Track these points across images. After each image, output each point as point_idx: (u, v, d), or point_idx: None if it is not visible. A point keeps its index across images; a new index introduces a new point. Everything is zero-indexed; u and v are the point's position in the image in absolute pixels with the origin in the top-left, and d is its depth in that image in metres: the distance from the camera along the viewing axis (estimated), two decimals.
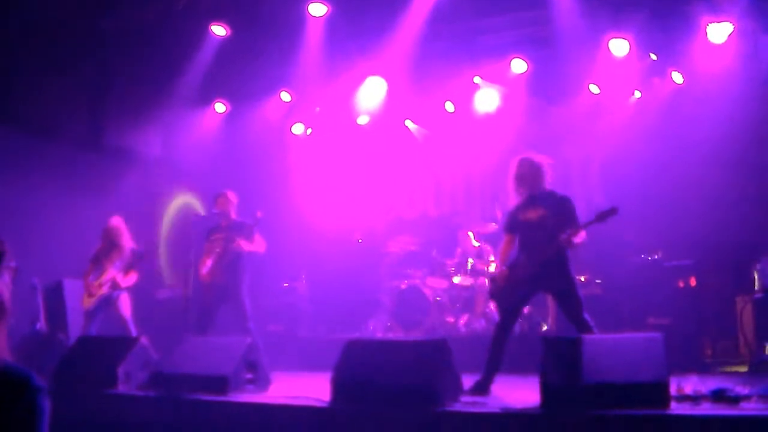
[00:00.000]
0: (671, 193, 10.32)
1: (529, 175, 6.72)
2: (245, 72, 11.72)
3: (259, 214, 8.49)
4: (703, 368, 8.16)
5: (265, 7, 9.97)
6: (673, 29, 10.09)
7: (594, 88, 11.33)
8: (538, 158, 6.77)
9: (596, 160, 11.66)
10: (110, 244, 9.03)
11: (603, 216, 6.38)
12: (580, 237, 6.46)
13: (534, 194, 6.72)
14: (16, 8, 9.71)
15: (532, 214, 6.68)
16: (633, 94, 11.18)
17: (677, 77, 10.80)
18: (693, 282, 8.69)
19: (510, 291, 6.72)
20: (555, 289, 6.74)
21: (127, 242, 9.04)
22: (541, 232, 6.56)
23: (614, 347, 5.54)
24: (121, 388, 7.18)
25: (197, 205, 12.12)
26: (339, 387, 6.21)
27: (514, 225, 6.87)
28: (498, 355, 6.75)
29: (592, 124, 11.32)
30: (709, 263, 9.26)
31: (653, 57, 10.71)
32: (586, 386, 5.26)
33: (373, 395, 5.96)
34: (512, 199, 6.93)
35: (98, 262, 9.00)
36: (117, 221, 9.15)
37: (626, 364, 5.32)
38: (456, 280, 10.71)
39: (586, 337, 5.81)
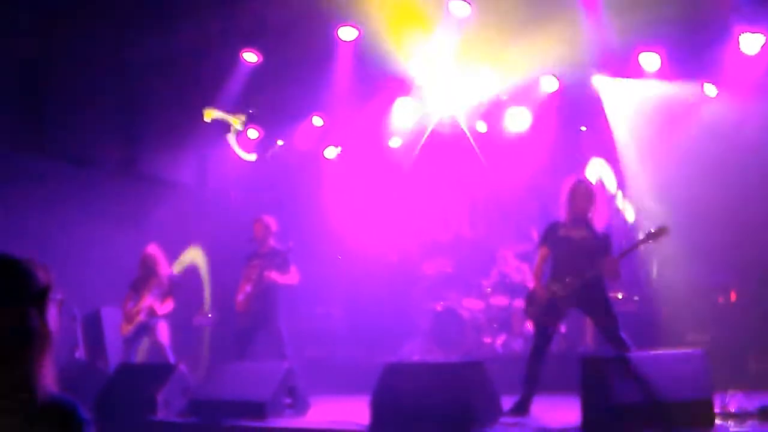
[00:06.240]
0: (707, 208, 10.16)
1: (582, 198, 6.73)
2: (277, 97, 11.79)
3: (291, 243, 8.55)
4: (747, 385, 8.00)
5: (295, 33, 10.00)
6: (705, 41, 9.98)
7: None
8: (595, 186, 6.83)
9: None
10: (147, 271, 9.12)
11: (654, 236, 6.36)
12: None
13: (582, 216, 6.72)
14: (50, 39, 9.91)
15: (575, 233, 6.68)
16: (668, 108, 11.04)
17: (710, 90, 10.67)
18: (733, 297, 8.55)
19: (546, 309, 6.68)
20: (591, 308, 6.70)
21: (164, 269, 9.13)
22: (580, 253, 6.55)
23: (655, 365, 5.47)
24: (161, 414, 7.23)
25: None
26: (378, 411, 6.20)
27: (551, 240, 6.84)
28: (535, 374, 6.71)
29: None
30: (749, 277, 9.08)
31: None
32: (626, 405, 5.19)
33: (413, 418, 5.94)
34: (554, 214, 6.94)
35: (136, 289, 9.10)
36: (153, 249, 9.25)
37: (668, 382, 5.24)
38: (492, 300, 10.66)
39: (627, 354, 5.74)
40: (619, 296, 9.31)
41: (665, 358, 5.56)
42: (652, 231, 6.40)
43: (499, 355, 10.13)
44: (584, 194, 6.74)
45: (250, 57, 10.48)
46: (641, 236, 6.46)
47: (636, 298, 9.39)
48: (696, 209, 10.06)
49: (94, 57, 10.24)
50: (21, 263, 2.18)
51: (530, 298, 6.87)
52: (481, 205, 12.98)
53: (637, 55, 10.28)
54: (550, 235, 6.88)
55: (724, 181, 10.12)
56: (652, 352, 5.89)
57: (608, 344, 6.50)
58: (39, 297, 2.16)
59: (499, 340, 10.34)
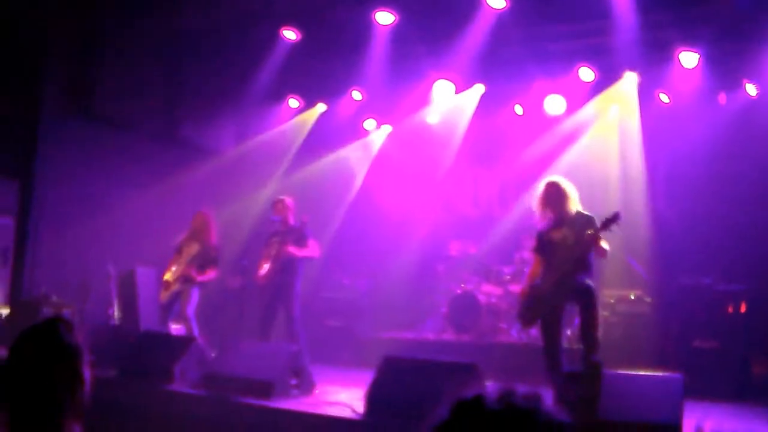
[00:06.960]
0: (735, 209, 10.14)
1: (554, 199, 6.89)
2: (316, 71, 12.02)
3: (305, 218, 8.77)
4: (750, 395, 8.14)
5: (333, 16, 10.19)
6: (745, 40, 9.87)
7: (664, 97, 11.19)
8: (565, 183, 6.95)
9: (662, 169, 11.49)
10: (194, 232, 9.26)
11: (607, 223, 6.45)
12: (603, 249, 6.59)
13: (560, 216, 6.88)
14: (101, 10, 10.29)
15: (557, 235, 6.84)
16: (703, 104, 10.95)
17: (751, 89, 10.55)
18: (743, 308, 8.57)
19: (535, 308, 6.86)
20: (573, 300, 6.83)
21: (213, 235, 9.27)
22: (562, 252, 6.74)
23: (633, 385, 5.66)
24: (176, 385, 7.66)
25: None
26: (373, 401, 6.53)
27: (542, 246, 7.04)
28: (556, 371, 6.80)
29: (660, 133, 11.16)
30: (762, 288, 9.05)
31: None
32: (600, 423, 5.41)
33: (405, 412, 6.23)
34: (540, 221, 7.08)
35: (180, 252, 9.25)
36: (208, 210, 9.43)
37: (642, 403, 5.44)
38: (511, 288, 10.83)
39: (607, 372, 5.93)
40: (632, 296, 9.42)
41: (643, 380, 5.74)
42: (606, 218, 6.49)
43: (514, 341, 10.37)
44: (556, 195, 6.87)
45: (290, 34, 10.68)
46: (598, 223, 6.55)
47: (648, 299, 9.46)
48: (719, 211, 10.08)
49: (142, 27, 10.58)
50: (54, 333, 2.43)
51: (520, 303, 7.05)
52: (511, 186, 12.98)
53: (678, 54, 10.19)
54: (539, 242, 7.07)
55: (750, 183, 10.10)
56: (632, 373, 6.06)
57: (580, 342, 6.65)
58: (69, 359, 2.42)
59: (515, 327, 10.54)
